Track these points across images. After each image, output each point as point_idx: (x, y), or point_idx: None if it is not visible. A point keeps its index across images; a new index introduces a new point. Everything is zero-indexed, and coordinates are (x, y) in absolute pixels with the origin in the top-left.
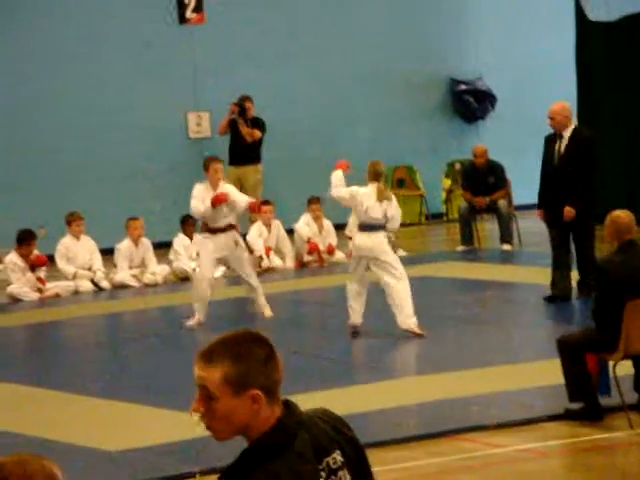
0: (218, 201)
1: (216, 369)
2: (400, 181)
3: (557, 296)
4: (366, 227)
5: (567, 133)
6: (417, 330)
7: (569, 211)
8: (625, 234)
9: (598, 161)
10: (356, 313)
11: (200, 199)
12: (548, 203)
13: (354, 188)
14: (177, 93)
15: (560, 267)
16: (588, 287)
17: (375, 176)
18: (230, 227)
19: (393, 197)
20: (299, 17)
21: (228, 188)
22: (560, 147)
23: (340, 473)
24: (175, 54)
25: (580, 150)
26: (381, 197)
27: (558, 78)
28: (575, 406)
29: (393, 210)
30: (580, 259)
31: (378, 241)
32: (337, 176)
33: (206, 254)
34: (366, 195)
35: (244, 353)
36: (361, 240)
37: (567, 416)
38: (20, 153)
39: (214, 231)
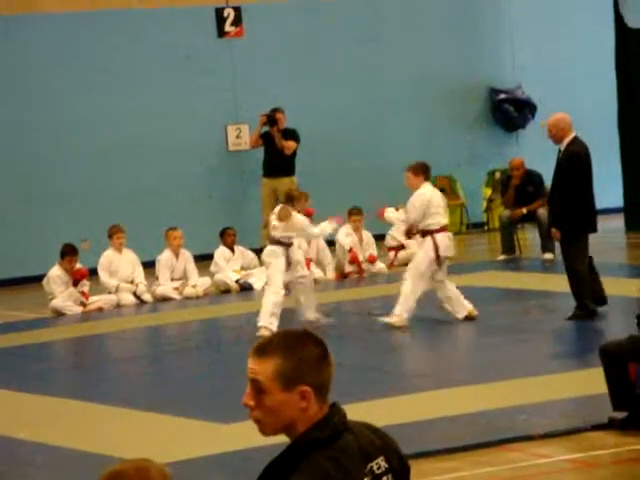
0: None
1: (269, 363)
2: (441, 190)
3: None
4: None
5: (562, 146)
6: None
7: (554, 233)
8: None
9: (583, 177)
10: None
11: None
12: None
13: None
14: (217, 106)
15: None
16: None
17: (284, 198)
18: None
19: (289, 220)
20: (338, 29)
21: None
22: (557, 161)
23: (384, 479)
24: (214, 67)
25: (562, 165)
26: (279, 217)
27: (597, 85)
28: (619, 415)
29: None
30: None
31: (266, 253)
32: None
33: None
34: (274, 214)
35: (298, 349)
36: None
37: (611, 425)
38: (62, 168)
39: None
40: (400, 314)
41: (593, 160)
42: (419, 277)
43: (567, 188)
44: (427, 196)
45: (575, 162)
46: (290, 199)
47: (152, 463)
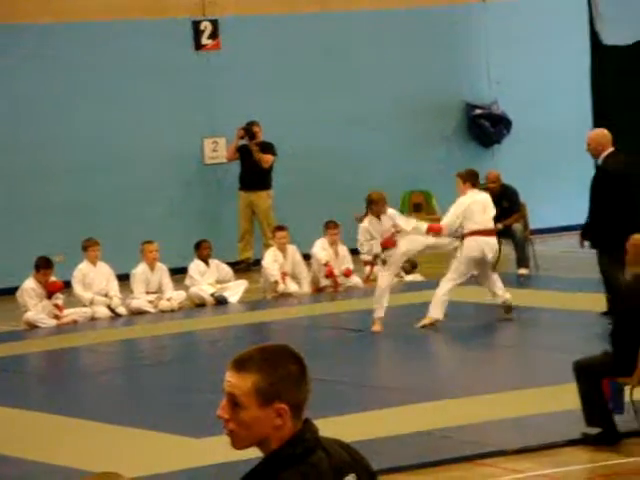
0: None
1: (247, 378)
2: (416, 205)
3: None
4: None
5: (600, 161)
6: None
7: (580, 242)
8: None
9: (616, 191)
10: None
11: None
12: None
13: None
14: (193, 119)
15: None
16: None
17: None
18: None
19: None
20: (315, 43)
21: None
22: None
23: None
24: (191, 80)
25: (594, 179)
26: None
27: (573, 101)
28: (592, 431)
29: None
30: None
31: None
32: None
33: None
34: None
35: (278, 366)
36: None
37: (584, 441)
38: (36, 181)
39: None
40: (431, 316)
41: (569, 177)
42: (452, 280)
43: (594, 201)
44: (466, 203)
45: (603, 177)
46: (369, 202)
47: (119, 477)
